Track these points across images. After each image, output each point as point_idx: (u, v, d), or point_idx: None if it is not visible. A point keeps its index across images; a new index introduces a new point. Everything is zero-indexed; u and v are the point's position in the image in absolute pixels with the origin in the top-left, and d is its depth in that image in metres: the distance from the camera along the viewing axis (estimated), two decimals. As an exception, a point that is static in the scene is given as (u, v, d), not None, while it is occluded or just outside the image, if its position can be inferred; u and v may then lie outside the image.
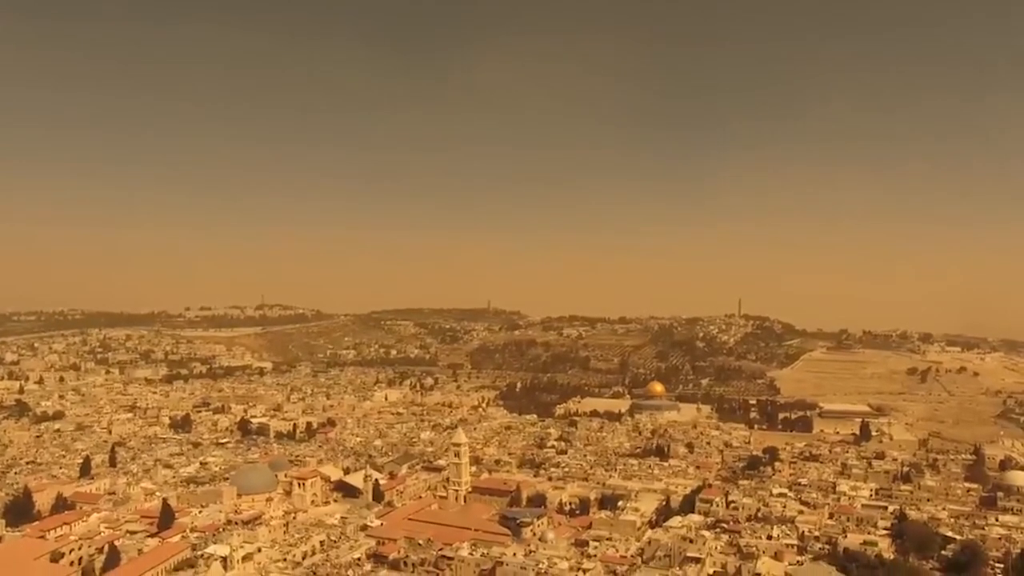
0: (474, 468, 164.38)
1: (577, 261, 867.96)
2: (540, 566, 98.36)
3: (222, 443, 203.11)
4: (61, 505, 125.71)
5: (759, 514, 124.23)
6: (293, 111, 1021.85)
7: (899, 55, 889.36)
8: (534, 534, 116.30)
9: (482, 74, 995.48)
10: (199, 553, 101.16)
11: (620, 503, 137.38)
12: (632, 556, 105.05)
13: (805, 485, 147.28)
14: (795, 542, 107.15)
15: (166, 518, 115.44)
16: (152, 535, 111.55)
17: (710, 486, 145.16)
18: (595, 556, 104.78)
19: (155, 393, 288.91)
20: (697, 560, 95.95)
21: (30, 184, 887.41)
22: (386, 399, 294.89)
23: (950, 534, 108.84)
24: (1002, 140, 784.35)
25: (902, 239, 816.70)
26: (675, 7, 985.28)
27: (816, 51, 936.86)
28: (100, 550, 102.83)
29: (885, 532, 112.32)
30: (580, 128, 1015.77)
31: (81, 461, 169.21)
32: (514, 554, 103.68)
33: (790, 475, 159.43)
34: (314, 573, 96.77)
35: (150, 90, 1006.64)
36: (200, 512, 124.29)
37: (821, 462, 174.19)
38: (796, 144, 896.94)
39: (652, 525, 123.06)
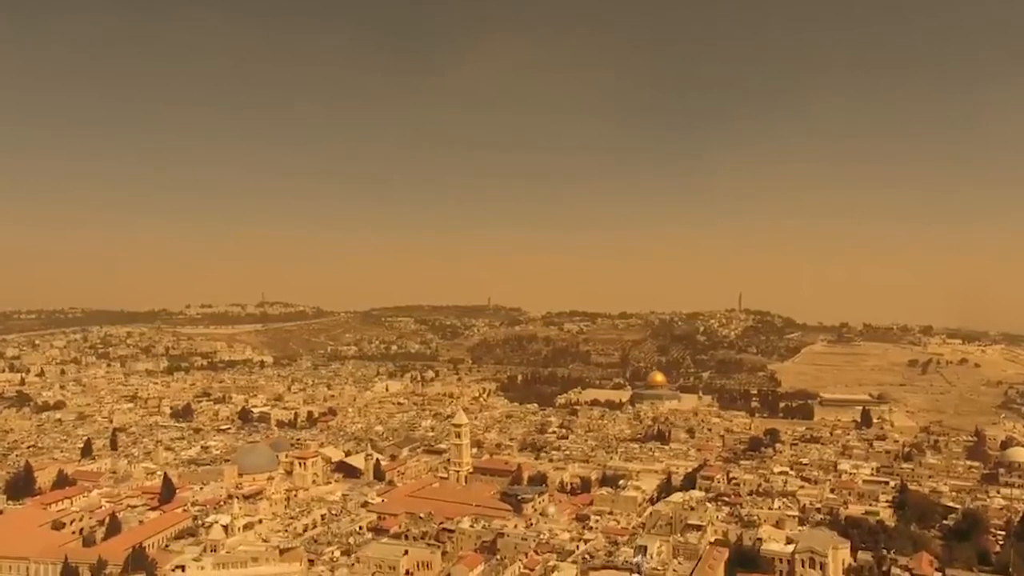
0: (475, 451, 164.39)
1: (577, 257, 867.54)
2: (541, 537, 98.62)
3: (223, 429, 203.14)
4: (62, 481, 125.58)
5: (760, 489, 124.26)
6: (292, 110, 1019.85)
7: (897, 51, 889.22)
8: (535, 509, 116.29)
9: (481, 71, 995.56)
10: (200, 523, 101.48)
11: (621, 482, 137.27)
12: (633, 528, 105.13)
13: (806, 464, 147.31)
14: (796, 513, 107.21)
15: (167, 492, 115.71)
16: (153, 508, 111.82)
17: (711, 465, 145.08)
18: (596, 528, 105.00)
19: (156, 384, 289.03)
20: (698, 528, 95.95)
21: (30, 184, 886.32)
22: (387, 390, 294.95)
23: (952, 504, 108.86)
24: (1001, 133, 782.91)
25: (903, 233, 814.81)
26: (674, 4, 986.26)
27: (814, 48, 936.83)
28: (101, 522, 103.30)
29: (886, 504, 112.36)
30: (580, 125, 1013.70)
31: (82, 445, 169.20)
32: (515, 526, 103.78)
33: (791, 456, 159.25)
34: (315, 541, 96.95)
35: (150, 89, 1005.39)
36: (201, 489, 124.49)
37: (822, 444, 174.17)
38: (796, 140, 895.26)
39: (653, 502, 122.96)
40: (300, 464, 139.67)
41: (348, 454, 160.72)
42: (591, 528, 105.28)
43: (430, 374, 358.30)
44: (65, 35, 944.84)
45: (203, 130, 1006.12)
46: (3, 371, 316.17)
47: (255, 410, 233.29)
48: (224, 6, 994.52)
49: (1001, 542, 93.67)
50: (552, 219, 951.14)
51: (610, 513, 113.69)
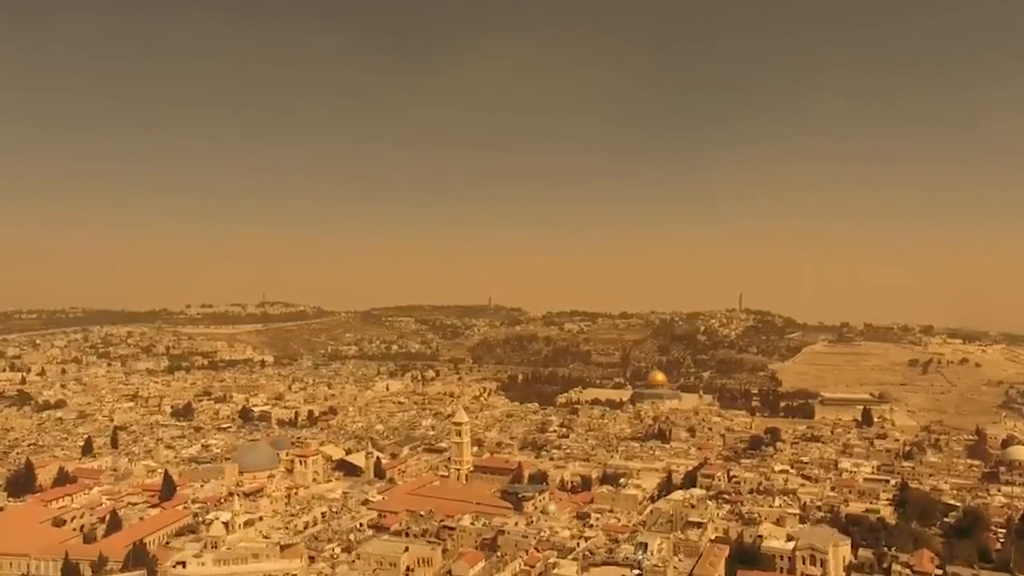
0: (475, 449, 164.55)
1: (577, 257, 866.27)
2: (541, 534, 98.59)
3: (224, 428, 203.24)
4: (63, 479, 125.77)
5: (761, 487, 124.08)
6: (292, 110, 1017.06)
7: (897, 51, 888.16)
8: (536, 507, 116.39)
9: (481, 71, 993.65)
10: (201, 520, 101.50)
11: (622, 480, 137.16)
12: (634, 526, 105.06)
13: (807, 462, 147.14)
14: (797, 511, 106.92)
15: (168, 490, 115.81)
16: (153, 506, 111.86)
17: (712, 464, 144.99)
18: (596, 526, 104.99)
19: (156, 383, 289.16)
20: (699, 525, 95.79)
21: (30, 184, 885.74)
22: (387, 389, 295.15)
23: (952, 502, 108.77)
24: (1001, 133, 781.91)
25: (903, 233, 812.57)
26: (674, 4, 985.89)
27: (814, 48, 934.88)
28: (102, 519, 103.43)
29: (887, 502, 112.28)
30: (580, 125, 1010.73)
31: (83, 444, 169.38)
32: (516, 524, 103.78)
33: (792, 454, 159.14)
34: (315, 538, 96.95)
35: (150, 89, 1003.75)
36: (202, 486, 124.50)
37: (823, 443, 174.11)
38: (796, 140, 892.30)
39: (653, 500, 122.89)
40: (301, 462, 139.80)
41: (349, 452, 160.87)
42: (592, 526, 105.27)
43: (431, 374, 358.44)
44: (65, 35, 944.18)
45: (203, 130, 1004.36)
46: (4, 370, 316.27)
47: (256, 409, 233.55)
48: (224, 6, 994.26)
49: (1002, 539, 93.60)
50: (552, 219, 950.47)
51: (611, 511, 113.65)
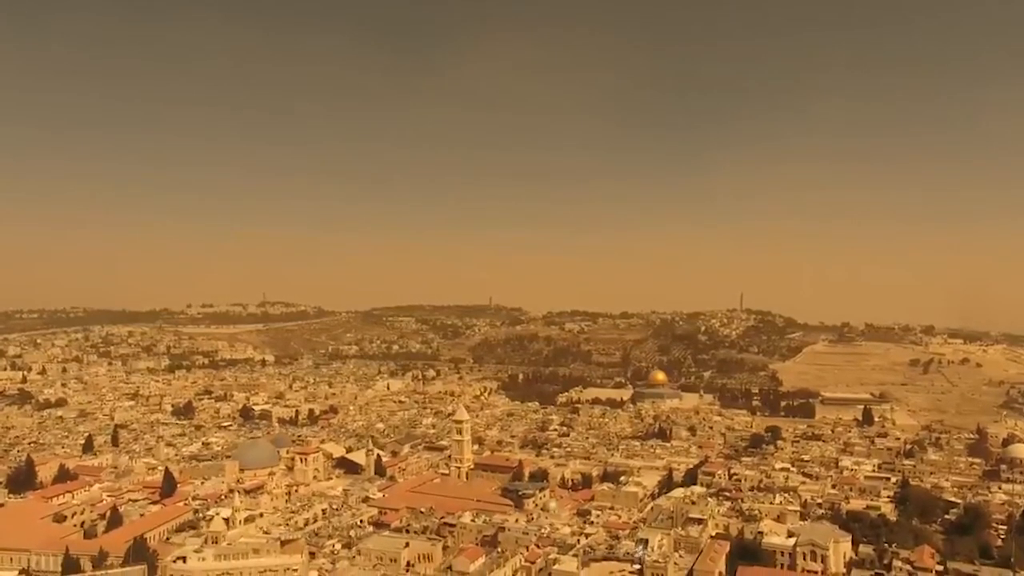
0: (476, 448, 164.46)
1: (578, 257, 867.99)
2: (542, 531, 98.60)
3: (224, 426, 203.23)
4: (64, 476, 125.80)
5: (761, 485, 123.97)
6: (292, 110, 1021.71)
7: (897, 51, 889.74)
8: (536, 505, 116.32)
9: (481, 71, 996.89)
10: (201, 516, 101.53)
11: (622, 478, 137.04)
12: (635, 522, 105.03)
13: (807, 461, 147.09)
14: (797, 508, 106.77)
15: (168, 487, 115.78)
16: (154, 502, 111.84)
17: (712, 462, 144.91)
18: (597, 523, 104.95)
19: (157, 382, 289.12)
20: (700, 521, 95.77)
21: (30, 184, 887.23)
22: (388, 388, 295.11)
23: (953, 499, 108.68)
24: (1001, 133, 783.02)
25: (903, 233, 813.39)
26: (674, 4, 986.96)
27: (814, 48, 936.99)
28: (102, 516, 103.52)
29: (888, 499, 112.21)
30: (580, 125, 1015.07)
31: (83, 442, 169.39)
32: (516, 521, 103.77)
33: (792, 453, 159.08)
34: (316, 534, 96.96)
35: (150, 89, 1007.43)
36: (202, 483, 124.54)
37: (824, 441, 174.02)
38: (796, 140, 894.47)
39: (654, 497, 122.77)
40: (301, 460, 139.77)
41: (349, 450, 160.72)
42: (592, 523, 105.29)
43: (431, 373, 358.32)
44: (65, 35, 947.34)
45: (203, 130, 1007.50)
46: (5, 369, 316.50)
47: (256, 408, 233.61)
48: (224, 6, 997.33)
49: (1003, 536, 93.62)
50: (552, 219, 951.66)
51: (611, 508, 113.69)
